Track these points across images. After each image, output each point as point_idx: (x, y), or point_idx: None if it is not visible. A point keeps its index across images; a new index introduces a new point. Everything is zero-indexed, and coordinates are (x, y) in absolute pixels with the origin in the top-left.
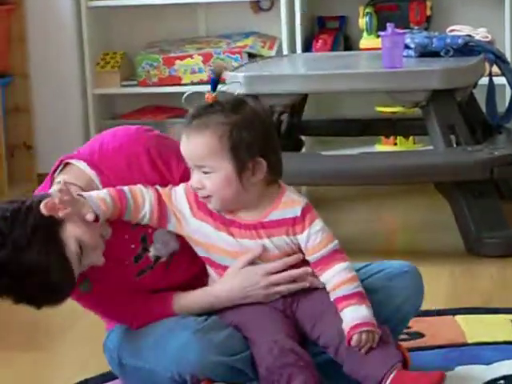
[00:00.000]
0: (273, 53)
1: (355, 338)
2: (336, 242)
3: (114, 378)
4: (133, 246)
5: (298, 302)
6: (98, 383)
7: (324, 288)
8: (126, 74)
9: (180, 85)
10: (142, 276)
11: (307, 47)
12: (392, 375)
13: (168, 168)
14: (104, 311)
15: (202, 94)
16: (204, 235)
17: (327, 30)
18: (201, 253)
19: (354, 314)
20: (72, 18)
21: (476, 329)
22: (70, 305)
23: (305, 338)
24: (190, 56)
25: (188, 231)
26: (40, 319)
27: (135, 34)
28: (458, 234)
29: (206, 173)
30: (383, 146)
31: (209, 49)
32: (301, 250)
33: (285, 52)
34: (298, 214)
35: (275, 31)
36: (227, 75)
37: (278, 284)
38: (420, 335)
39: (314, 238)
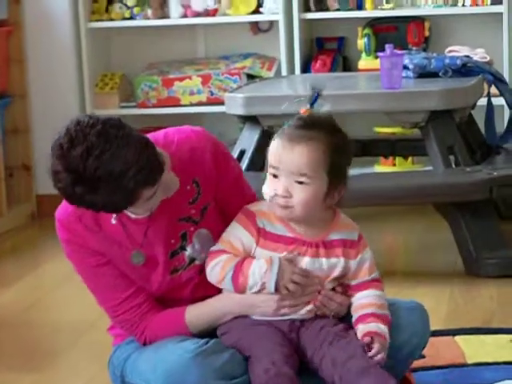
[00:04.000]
0: (272, 74)
1: (367, 339)
2: (377, 271)
3: None
4: (172, 241)
5: (304, 328)
6: None
7: (331, 317)
8: (125, 95)
9: (179, 106)
10: (175, 275)
11: (306, 68)
12: None
13: (226, 167)
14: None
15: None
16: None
17: (326, 51)
18: None
19: (375, 326)
20: (71, 39)
21: (476, 349)
22: (71, 324)
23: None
24: (189, 77)
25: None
26: (40, 340)
27: (134, 55)
28: (458, 255)
29: (300, 183)
30: (382, 167)
31: (208, 70)
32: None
33: (284, 73)
34: (356, 238)
35: (274, 52)
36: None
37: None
38: (420, 356)
39: (364, 263)
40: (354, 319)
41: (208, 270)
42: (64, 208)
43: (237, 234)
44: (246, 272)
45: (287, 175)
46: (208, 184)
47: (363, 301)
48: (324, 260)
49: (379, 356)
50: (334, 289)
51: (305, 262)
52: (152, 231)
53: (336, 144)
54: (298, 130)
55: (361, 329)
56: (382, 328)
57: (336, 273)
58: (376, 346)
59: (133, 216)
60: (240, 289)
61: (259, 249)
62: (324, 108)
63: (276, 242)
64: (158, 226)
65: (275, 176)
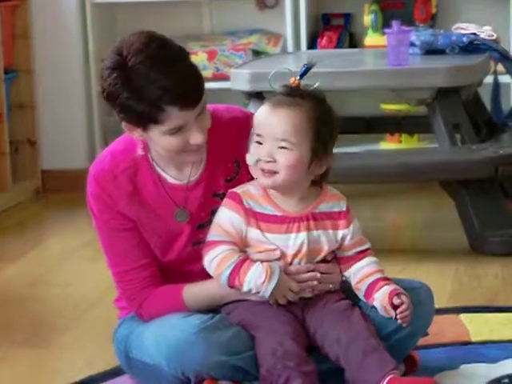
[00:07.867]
0: (277, 50)
1: (396, 298)
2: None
3: (119, 374)
4: (203, 214)
5: (309, 305)
6: (102, 380)
7: (335, 292)
8: None
9: None
10: (196, 247)
11: (312, 44)
12: (387, 379)
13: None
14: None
15: (285, 74)
16: (256, 240)
17: (332, 28)
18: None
19: (391, 287)
20: (76, 14)
21: (480, 327)
22: (75, 299)
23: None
24: (195, 53)
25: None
26: (44, 315)
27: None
28: (463, 233)
29: (282, 148)
30: (388, 144)
31: (213, 46)
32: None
33: (289, 49)
34: (344, 208)
35: (280, 28)
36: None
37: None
38: (424, 333)
39: (356, 234)
40: (363, 289)
41: (206, 261)
42: (101, 164)
43: (226, 217)
44: (242, 278)
45: (270, 141)
46: (247, 167)
47: (366, 270)
48: (316, 232)
49: (407, 312)
50: (323, 261)
51: (302, 237)
52: (188, 199)
53: (321, 114)
54: (282, 96)
55: (381, 294)
56: (398, 287)
57: (328, 246)
58: (405, 300)
59: (171, 180)
60: (234, 288)
61: (251, 228)
62: (315, 84)
63: (266, 222)
64: (194, 196)
65: (259, 143)
